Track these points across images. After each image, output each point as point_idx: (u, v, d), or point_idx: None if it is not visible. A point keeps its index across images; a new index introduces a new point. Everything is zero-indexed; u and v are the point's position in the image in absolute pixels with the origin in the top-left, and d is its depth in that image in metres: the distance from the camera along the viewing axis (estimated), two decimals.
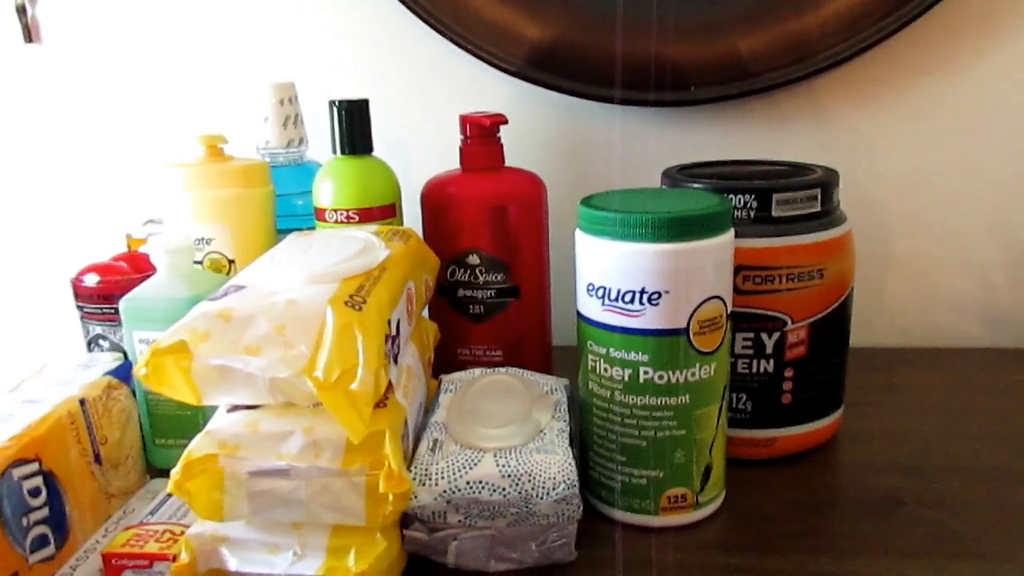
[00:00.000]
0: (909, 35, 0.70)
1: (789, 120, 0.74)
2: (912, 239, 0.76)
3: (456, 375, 0.56)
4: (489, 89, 0.77)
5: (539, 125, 0.78)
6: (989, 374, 0.69)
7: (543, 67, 0.73)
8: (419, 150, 0.78)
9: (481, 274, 0.62)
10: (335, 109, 0.61)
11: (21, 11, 0.81)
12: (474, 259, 0.62)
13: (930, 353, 0.74)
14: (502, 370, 0.56)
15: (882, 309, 0.78)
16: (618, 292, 0.46)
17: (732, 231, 0.47)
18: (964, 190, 0.74)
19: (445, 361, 0.64)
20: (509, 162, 0.65)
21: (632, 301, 0.46)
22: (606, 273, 0.46)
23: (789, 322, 0.53)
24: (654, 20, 0.70)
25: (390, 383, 0.45)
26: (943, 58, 0.71)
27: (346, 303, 0.42)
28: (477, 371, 0.56)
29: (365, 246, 0.50)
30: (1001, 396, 0.65)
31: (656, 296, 0.45)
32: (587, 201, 0.49)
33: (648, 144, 0.76)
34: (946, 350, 0.75)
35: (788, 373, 0.54)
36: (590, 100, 0.74)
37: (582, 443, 0.51)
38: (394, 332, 0.46)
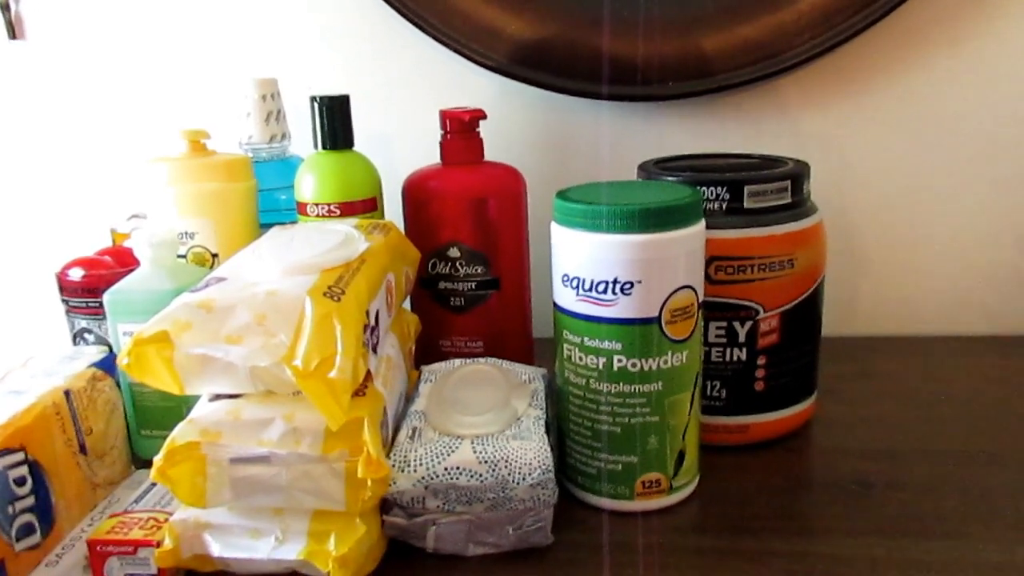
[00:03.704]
0: (879, 33, 0.71)
1: (762, 116, 0.75)
2: (888, 231, 0.77)
3: (436, 365, 0.57)
4: (471, 85, 0.78)
5: (521, 120, 0.78)
6: (962, 361, 0.71)
7: (524, 63, 0.74)
8: (404, 145, 0.79)
9: (462, 267, 0.63)
10: (316, 105, 0.62)
11: (5, 8, 0.82)
12: (455, 252, 0.63)
13: (905, 341, 0.76)
14: (481, 360, 0.57)
15: (857, 299, 0.79)
16: (592, 282, 0.47)
17: (703, 222, 0.49)
18: (937, 183, 0.75)
19: (427, 352, 0.65)
20: (492, 157, 0.66)
21: (605, 291, 0.47)
22: (580, 264, 0.47)
23: (761, 311, 0.54)
24: (641, 16, 0.71)
25: (369, 372, 0.46)
26: (914, 55, 0.73)
27: (325, 294, 0.43)
28: (457, 361, 0.57)
29: (345, 239, 0.51)
30: (973, 382, 0.67)
31: (628, 286, 0.46)
32: (562, 194, 0.50)
33: (629, 139, 0.77)
34: (920, 338, 0.77)
35: (761, 361, 0.55)
36: (573, 96, 0.74)
37: (559, 430, 0.52)
38: (373, 322, 0.47)
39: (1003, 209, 0.75)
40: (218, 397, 0.45)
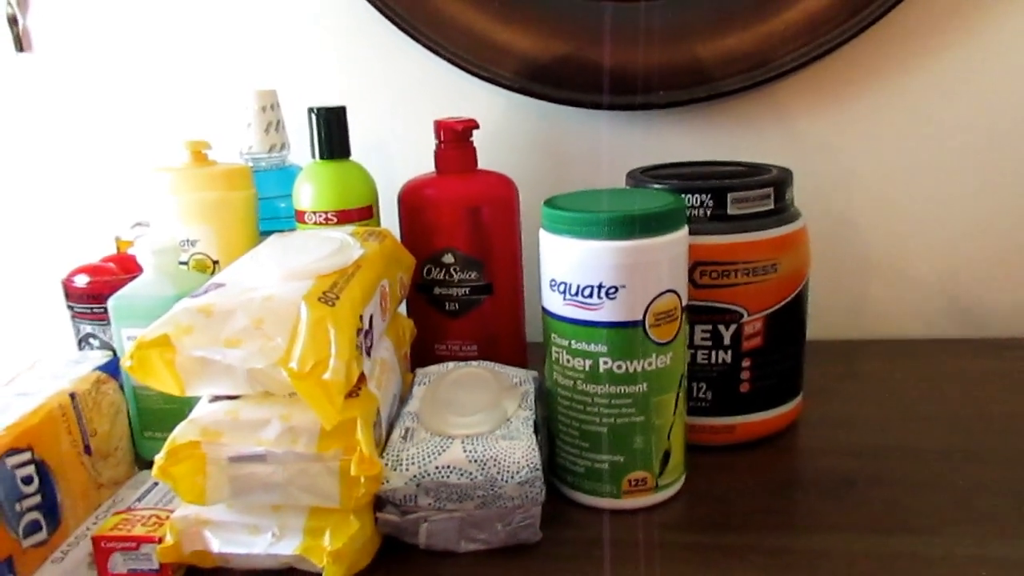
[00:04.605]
0: (868, 39, 0.73)
1: (754, 123, 0.77)
2: (879, 235, 0.79)
3: (430, 368, 0.59)
4: (466, 96, 0.79)
5: (519, 130, 0.80)
6: (946, 363, 0.72)
7: (522, 76, 0.75)
8: (400, 154, 0.81)
9: (456, 272, 0.65)
10: (314, 116, 0.64)
11: (12, 21, 0.84)
12: (449, 258, 0.65)
13: (891, 344, 0.77)
14: (474, 363, 0.58)
15: (845, 303, 0.81)
16: (578, 287, 0.49)
17: (686, 228, 0.50)
18: (924, 188, 0.77)
19: (422, 356, 0.66)
20: (487, 165, 0.67)
21: (591, 295, 0.48)
22: (567, 269, 0.49)
23: (745, 314, 0.56)
24: (640, 27, 0.73)
25: (363, 374, 0.48)
26: (903, 60, 0.74)
27: (320, 299, 0.45)
28: (450, 364, 0.59)
29: (341, 246, 0.53)
30: (956, 383, 0.68)
31: (613, 290, 0.48)
32: (550, 201, 0.51)
33: (625, 147, 0.79)
34: (907, 341, 0.78)
35: (746, 363, 0.57)
36: (571, 106, 0.76)
37: (549, 431, 0.54)
38: (367, 327, 0.49)
39: (992, 213, 0.77)
40: (217, 398, 0.46)
